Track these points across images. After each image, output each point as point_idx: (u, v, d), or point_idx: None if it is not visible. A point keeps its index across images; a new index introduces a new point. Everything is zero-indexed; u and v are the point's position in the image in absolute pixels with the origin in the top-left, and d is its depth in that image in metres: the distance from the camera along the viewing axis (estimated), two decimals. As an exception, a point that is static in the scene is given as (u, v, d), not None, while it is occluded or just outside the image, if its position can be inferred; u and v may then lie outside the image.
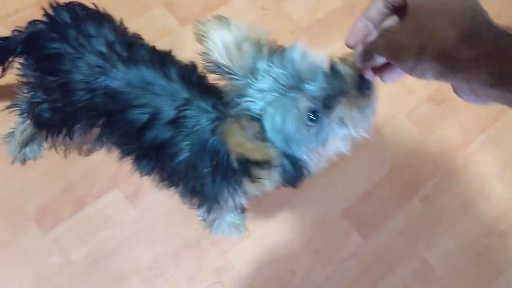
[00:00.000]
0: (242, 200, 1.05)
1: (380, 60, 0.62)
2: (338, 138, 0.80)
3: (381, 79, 0.67)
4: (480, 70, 0.46)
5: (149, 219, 1.29)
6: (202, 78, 0.98)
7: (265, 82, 0.75)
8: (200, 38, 0.78)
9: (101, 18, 1.02)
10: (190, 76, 0.96)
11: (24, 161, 1.30)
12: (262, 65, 0.76)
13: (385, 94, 1.51)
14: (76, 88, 0.96)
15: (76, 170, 1.31)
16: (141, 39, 1.07)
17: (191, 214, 1.28)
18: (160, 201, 1.31)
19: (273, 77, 0.74)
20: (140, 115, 0.92)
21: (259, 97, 0.75)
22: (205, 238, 1.29)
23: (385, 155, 1.47)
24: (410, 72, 0.53)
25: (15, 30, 1.06)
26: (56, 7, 1.02)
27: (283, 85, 0.73)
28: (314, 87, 0.74)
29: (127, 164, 1.23)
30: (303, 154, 0.78)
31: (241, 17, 0.77)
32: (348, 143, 0.83)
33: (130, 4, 1.55)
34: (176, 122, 0.91)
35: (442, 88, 1.57)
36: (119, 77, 0.93)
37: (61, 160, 1.32)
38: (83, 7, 1.03)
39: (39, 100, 1.05)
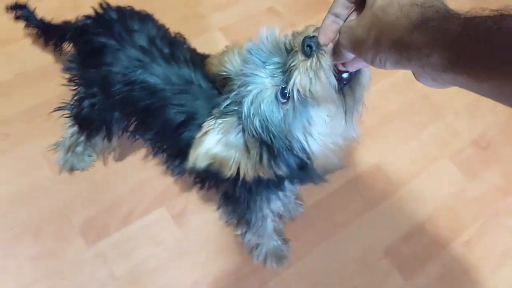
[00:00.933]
0: (275, 207, 1.04)
1: (350, 56, 0.64)
2: (321, 113, 0.73)
3: (346, 67, 0.68)
4: (431, 57, 0.47)
5: (193, 241, 1.29)
6: None
7: (245, 69, 0.75)
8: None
9: (145, 16, 1.05)
10: None
11: (71, 170, 1.31)
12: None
13: (430, 135, 1.53)
14: (115, 80, 0.96)
15: (125, 184, 1.32)
16: (184, 39, 1.08)
17: (233, 240, 1.29)
18: (205, 223, 1.31)
19: (249, 65, 0.74)
20: (177, 114, 0.93)
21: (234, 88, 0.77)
22: (246, 266, 1.28)
23: (427, 197, 1.46)
24: (372, 63, 0.55)
25: (65, 22, 1.14)
26: (105, 7, 1.05)
27: (253, 68, 0.74)
28: (274, 65, 0.72)
29: (175, 183, 1.25)
30: (293, 139, 0.74)
31: None
32: (341, 122, 0.76)
33: (187, 26, 1.56)
34: None
35: (487, 133, 1.58)
36: (158, 73, 0.93)
37: (110, 173, 1.32)
38: (131, 8, 1.06)
39: (81, 95, 1.08)
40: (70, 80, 1.10)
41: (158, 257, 1.25)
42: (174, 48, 0.98)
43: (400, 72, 1.62)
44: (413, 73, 0.55)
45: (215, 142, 0.77)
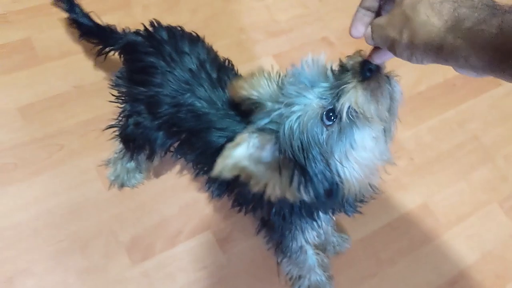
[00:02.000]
0: (309, 237, 1.02)
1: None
2: (367, 135, 0.72)
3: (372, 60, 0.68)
4: (468, 59, 0.46)
5: (236, 267, 1.28)
6: None
7: (290, 90, 0.74)
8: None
9: (196, 39, 1.05)
10: None
11: (121, 186, 1.32)
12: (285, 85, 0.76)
13: (479, 178, 1.50)
14: (163, 101, 0.97)
15: (172, 205, 1.32)
16: (232, 65, 1.08)
17: (276, 269, 1.26)
18: (249, 250, 1.30)
19: (295, 86, 0.73)
20: (219, 138, 0.93)
21: (275, 108, 0.75)
22: (287, 297, 1.26)
23: (475, 241, 1.43)
24: (410, 60, 0.55)
25: (112, 30, 1.16)
26: (156, 26, 1.06)
27: (300, 89, 0.72)
28: (323, 88, 0.72)
29: (222, 207, 1.25)
30: (333, 162, 0.73)
31: None
32: (382, 143, 0.75)
33: (240, 51, 1.59)
34: None
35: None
36: (204, 97, 0.95)
37: (159, 193, 1.32)
38: (181, 28, 1.07)
39: (127, 113, 1.09)
40: (117, 97, 1.11)
41: (202, 282, 1.25)
42: (221, 73, 0.99)
43: (452, 110, 1.61)
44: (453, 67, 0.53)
45: (246, 155, 0.74)
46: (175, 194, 1.33)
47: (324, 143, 0.71)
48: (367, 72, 0.68)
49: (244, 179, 0.75)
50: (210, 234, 1.30)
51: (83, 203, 1.28)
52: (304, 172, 0.74)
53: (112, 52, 1.19)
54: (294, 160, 0.73)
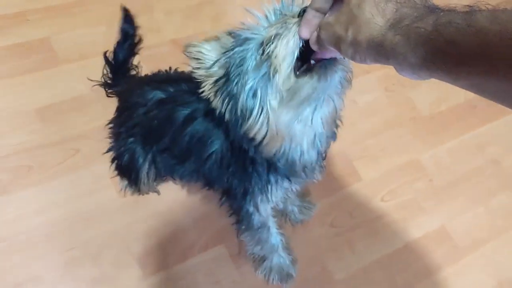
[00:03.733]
0: (269, 197, 1.00)
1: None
2: (274, 76, 0.72)
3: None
4: (406, 56, 0.47)
5: (249, 284, 1.25)
6: None
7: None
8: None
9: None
10: None
11: (134, 193, 1.29)
12: None
13: (499, 203, 1.47)
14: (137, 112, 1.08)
15: (187, 217, 1.29)
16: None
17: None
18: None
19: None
20: (183, 111, 0.99)
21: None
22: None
23: (492, 269, 1.40)
24: (353, 59, 0.55)
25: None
26: None
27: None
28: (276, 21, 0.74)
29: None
30: (247, 90, 0.75)
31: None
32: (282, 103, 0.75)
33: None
34: (212, 113, 0.89)
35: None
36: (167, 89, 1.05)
37: (174, 204, 1.30)
38: None
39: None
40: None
41: (213, 298, 1.21)
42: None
43: (472, 132, 1.58)
44: (395, 68, 0.54)
45: (209, 47, 0.80)
46: (191, 205, 1.30)
47: (250, 70, 0.73)
48: (300, 11, 0.67)
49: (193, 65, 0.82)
50: (223, 248, 1.28)
51: (96, 211, 1.25)
52: (228, 83, 0.78)
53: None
54: (228, 68, 0.77)
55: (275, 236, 1.18)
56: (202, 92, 0.82)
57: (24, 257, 1.17)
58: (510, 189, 1.54)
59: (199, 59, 0.81)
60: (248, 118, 0.76)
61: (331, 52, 0.66)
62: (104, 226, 1.24)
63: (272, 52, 0.70)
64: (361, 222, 1.38)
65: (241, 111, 0.77)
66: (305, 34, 0.66)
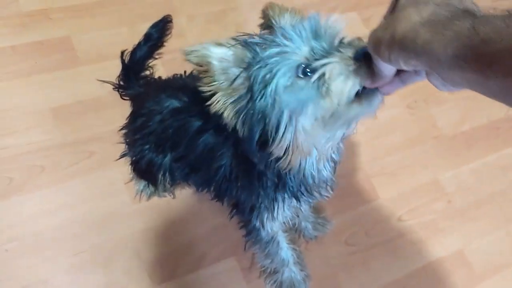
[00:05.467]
0: (278, 215, 0.97)
1: (388, 73, 0.61)
2: (317, 109, 0.69)
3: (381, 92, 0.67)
4: (438, 52, 0.47)
5: (260, 302, 1.21)
6: None
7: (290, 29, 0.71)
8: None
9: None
10: None
11: (150, 197, 1.28)
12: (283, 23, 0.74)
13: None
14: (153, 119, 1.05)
15: (200, 227, 1.27)
16: None
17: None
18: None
19: (298, 29, 0.70)
20: (195, 122, 0.96)
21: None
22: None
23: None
24: (389, 62, 0.55)
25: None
26: None
27: (298, 33, 0.70)
28: (320, 46, 0.68)
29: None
30: (278, 111, 0.70)
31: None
32: (320, 127, 0.72)
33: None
34: (222, 128, 0.86)
35: None
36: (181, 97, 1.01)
37: (188, 213, 1.28)
38: None
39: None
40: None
41: (221, 311, 1.18)
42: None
43: (495, 154, 1.54)
44: (426, 74, 0.56)
45: (219, 57, 0.71)
46: (204, 215, 1.28)
47: (283, 89, 0.68)
48: (361, 55, 0.65)
49: (199, 73, 0.73)
50: (234, 261, 1.25)
51: (108, 216, 1.23)
52: (252, 103, 0.71)
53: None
54: (251, 88, 0.70)
55: (285, 251, 1.15)
56: (209, 105, 0.75)
57: (32, 259, 1.15)
58: (532, 214, 1.49)
59: (207, 71, 0.72)
60: (274, 140, 0.72)
61: (389, 88, 0.65)
62: (115, 232, 1.22)
63: (328, 85, 0.66)
64: (378, 241, 1.35)
65: (265, 131, 0.72)
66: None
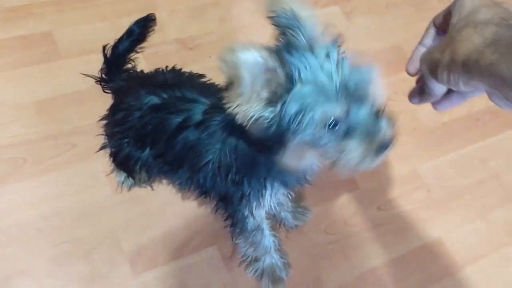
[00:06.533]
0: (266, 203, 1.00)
1: (438, 92, 0.63)
2: (331, 153, 0.75)
3: (435, 108, 0.70)
4: (502, 71, 0.46)
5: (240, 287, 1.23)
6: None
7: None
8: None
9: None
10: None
11: (131, 187, 1.30)
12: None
13: (498, 218, 1.45)
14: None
15: (181, 217, 1.28)
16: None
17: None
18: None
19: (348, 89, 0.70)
20: (174, 119, 0.97)
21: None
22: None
23: (490, 284, 1.37)
24: (447, 83, 0.56)
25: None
26: None
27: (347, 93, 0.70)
28: (355, 108, 0.71)
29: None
30: (296, 141, 0.73)
31: None
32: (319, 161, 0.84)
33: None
34: (203, 123, 0.93)
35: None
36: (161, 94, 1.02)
37: (169, 204, 1.29)
38: None
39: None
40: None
41: (203, 300, 1.20)
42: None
43: (475, 145, 1.56)
44: (487, 93, 0.55)
45: (251, 66, 0.63)
46: (185, 206, 1.29)
47: (305, 129, 0.70)
48: (383, 148, 0.72)
49: (226, 84, 0.68)
50: (215, 250, 1.26)
51: (90, 207, 1.25)
52: (273, 125, 0.72)
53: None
54: (279, 115, 0.70)
55: (268, 238, 1.18)
56: (229, 107, 0.70)
57: (14, 250, 1.17)
58: (509, 203, 1.51)
59: (236, 83, 0.66)
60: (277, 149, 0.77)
61: (442, 104, 0.69)
62: (96, 223, 1.23)
63: (346, 154, 0.72)
64: (357, 230, 1.37)
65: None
66: (412, 69, 0.70)
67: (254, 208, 1.01)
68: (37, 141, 1.30)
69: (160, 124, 1.01)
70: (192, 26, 1.60)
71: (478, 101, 1.68)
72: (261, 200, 0.98)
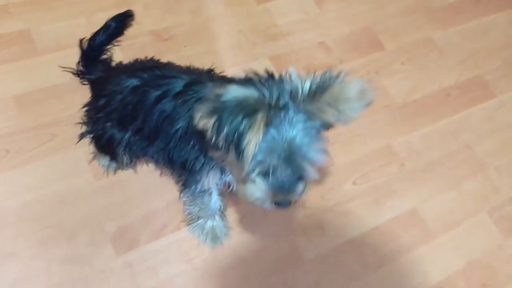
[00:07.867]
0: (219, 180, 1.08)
1: None
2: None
3: None
4: None
5: (222, 263, 1.28)
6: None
7: None
8: None
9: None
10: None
11: (116, 170, 1.35)
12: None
13: (470, 187, 1.50)
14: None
15: (161, 199, 1.32)
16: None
17: (265, 267, 1.28)
18: (236, 247, 1.31)
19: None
20: (153, 93, 1.03)
21: None
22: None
23: (462, 250, 1.42)
24: None
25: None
26: None
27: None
28: (283, 166, 0.82)
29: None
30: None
31: None
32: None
33: (239, 54, 1.62)
34: (181, 93, 1.00)
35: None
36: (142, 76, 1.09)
37: (149, 187, 1.33)
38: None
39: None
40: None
41: (185, 276, 1.25)
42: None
43: (446, 119, 1.61)
44: None
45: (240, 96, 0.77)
46: (164, 189, 1.33)
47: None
48: (280, 205, 0.88)
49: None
50: (194, 229, 1.30)
51: (72, 194, 1.29)
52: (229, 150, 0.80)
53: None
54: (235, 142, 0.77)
55: (215, 201, 1.22)
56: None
57: (1, 235, 1.21)
58: (481, 173, 1.57)
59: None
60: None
61: None
62: (79, 208, 1.28)
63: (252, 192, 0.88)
64: (333, 204, 1.41)
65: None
66: None
67: (206, 175, 1.06)
68: (19, 133, 1.35)
69: (140, 100, 1.06)
70: (166, 18, 1.65)
71: (449, 77, 1.75)
72: (214, 170, 1.04)
